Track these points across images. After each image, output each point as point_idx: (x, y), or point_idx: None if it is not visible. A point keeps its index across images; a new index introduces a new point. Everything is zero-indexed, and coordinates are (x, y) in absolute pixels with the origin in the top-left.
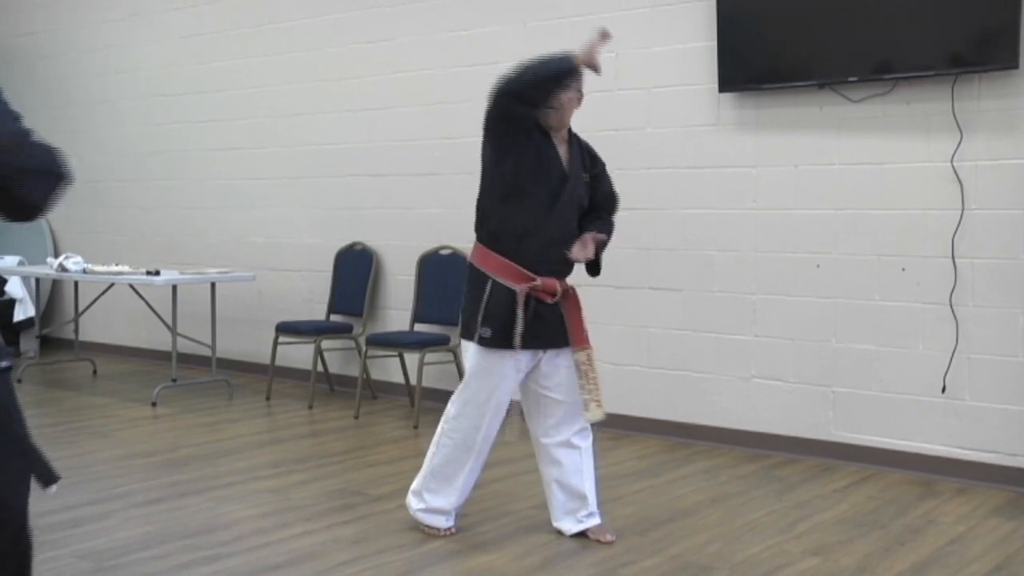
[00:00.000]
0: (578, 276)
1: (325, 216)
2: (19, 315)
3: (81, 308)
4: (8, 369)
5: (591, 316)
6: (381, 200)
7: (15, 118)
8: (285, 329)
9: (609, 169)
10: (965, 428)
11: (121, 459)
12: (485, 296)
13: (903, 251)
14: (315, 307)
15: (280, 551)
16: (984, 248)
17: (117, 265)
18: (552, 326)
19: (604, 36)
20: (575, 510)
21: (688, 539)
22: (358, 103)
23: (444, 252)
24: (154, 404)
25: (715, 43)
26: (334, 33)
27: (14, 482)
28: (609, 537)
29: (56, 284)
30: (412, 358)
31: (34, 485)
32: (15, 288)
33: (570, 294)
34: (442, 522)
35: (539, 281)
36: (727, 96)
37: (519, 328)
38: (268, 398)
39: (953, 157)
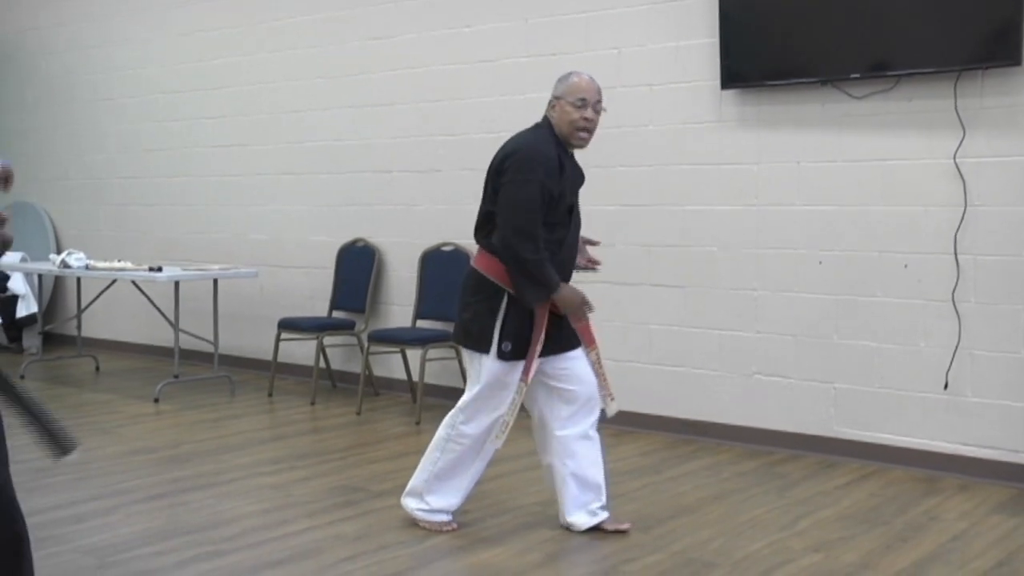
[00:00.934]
0: (578, 275)
1: (327, 212)
2: (22, 311)
3: (84, 304)
4: None
5: (593, 313)
6: (383, 196)
7: None
8: (287, 325)
9: (611, 166)
10: (967, 425)
11: (123, 455)
12: (501, 310)
13: (905, 248)
14: (317, 303)
15: (282, 547)
16: (986, 245)
17: (119, 261)
18: (564, 330)
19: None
20: (588, 503)
21: (690, 535)
22: (360, 100)
23: (446, 248)
24: (156, 400)
25: (717, 40)
26: (336, 30)
27: None
28: (625, 525)
29: (59, 280)
30: (414, 354)
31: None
32: (18, 284)
33: None
34: (443, 517)
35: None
36: (729, 93)
37: (541, 341)
38: (270, 394)
39: (955, 154)
